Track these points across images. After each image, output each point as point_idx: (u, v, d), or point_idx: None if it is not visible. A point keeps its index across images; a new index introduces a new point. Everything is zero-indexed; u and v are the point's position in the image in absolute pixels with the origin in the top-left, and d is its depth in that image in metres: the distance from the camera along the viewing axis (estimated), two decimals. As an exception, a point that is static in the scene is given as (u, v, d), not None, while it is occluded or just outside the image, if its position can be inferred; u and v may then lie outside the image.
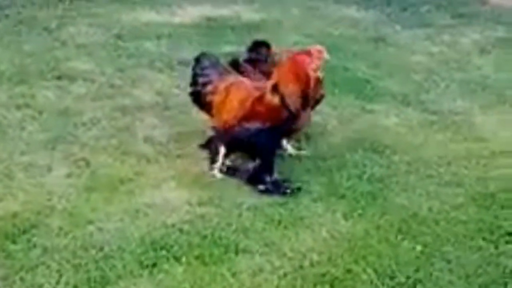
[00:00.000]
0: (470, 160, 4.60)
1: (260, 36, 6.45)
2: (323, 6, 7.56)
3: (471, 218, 4.00)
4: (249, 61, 4.67)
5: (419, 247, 3.72)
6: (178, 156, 4.50)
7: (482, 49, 6.52)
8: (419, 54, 6.42)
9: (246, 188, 4.20)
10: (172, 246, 3.62)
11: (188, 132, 4.79)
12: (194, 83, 4.35)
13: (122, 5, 7.20)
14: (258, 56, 4.65)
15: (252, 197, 4.11)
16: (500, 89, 5.60)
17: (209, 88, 4.28)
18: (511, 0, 7.90)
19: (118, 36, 6.37)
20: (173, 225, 3.81)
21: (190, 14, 7.10)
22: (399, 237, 3.81)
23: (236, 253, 3.62)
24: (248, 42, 6.26)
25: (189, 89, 4.39)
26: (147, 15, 6.96)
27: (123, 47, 6.14)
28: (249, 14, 7.13)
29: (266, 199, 4.10)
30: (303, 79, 4.05)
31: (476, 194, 4.21)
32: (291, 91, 4.05)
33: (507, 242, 3.81)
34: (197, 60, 4.38)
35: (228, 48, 6.20)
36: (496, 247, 3.76)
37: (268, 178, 4.21)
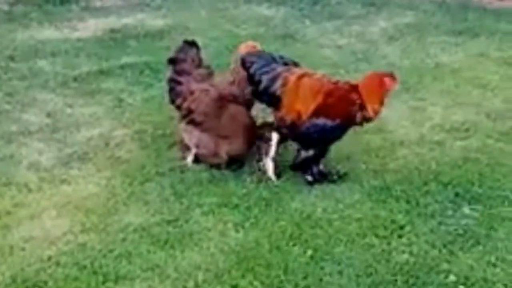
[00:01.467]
0: (370, 154, 4.51)
1: (164, 43, 6.38)
2: (232, 7, 7.43)
3: (365, 215, 3.91)
4: (174, 61, 4.55)
5: (310, 252, 3.61)
6: (63, 182, 4.32)
7: (390, 37, 6.46)
8: (326, 47, 6.33)
9: (134, 206, 4.02)
10: (46, 282, 3.45)
11: (77, 153, 4.62)
12: (257, 82, 4.16)
13: (16, 23, 6.96)
14: (186, 57, 4.51)
15: (139, 217, 3.94)
16: (404, 76, 5.50)
17: (279, 82, 4.11)
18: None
19: (11, 57, 6.15)
20: (49, 258, 3.64)
21: (92, 27, 6.91)
22: (291, 243, 3.70)
23: (116, 281, 3.47)
24: (151, 50, 6.24)
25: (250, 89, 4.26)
26: (45, 32, 6.76)
27: (14, 68, 5.93)
28: (154, 21, 6.98)
29: (154, 218, 3.93)
30: (381, 101, 4.05)
31: (372, 189, 4.12)
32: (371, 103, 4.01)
33: (399, 236, 3.73)
34: (244, 60, 4.22)
35: (129, 59, 6.05)
36: (389, 243, 3.68)
37: (314, 169, 4.18)
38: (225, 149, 4.33)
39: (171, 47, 6.15)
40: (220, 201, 4.06)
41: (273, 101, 4.17)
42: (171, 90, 4.48)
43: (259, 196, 4.09)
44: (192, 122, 4.37)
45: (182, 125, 4.44)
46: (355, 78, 5.40)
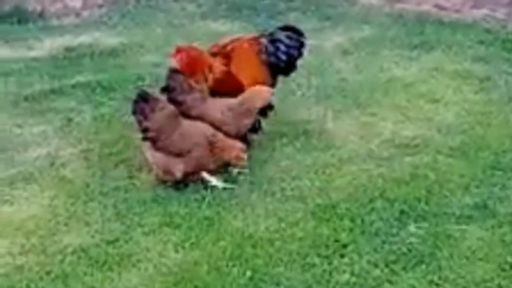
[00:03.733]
0: (317, 171, 4.46)
1: (118, 61, 6.33)
2: (188, 23, 7.38)
3: (308, 233, 3.86)
4: (167, 89, 4.51)
5: (249, 272, 3.56)
6: (5, 202, 4.26)
7: (344, 51, 6.41)
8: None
9: (75, 226, 3.95)
10: (-23, 306, 3.35)
11: (23, 173, 4.54)
12: None
13: (-28, 43, 6.88)
14: (175, 84, 4.47)
15: (79, 238, 3.87)
16: (356, 92, 5.49)
17: None
18: (381, -2, 7.86)
19: (-37, 77, 6.05)
20: (-15, 281, 3.54)
21: (47, 46, 6.83)
22: (230, 263, 3.65)
23: (50, 304, 3.37)
24: (105, 69, 6.17)
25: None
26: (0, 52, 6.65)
27: (-35, 88, 5.83)
28: (109, 40, 6.90)
29: (94, 239, 3.87)
30: None
31: (316, 207, 4.08)
32: None
33: (342, 256, 3.68)
34: None
35: (81, 78, 5.97)
36: (330, 263, 3.63)
37: None
38: (178, 167, 4.24)
39: (125, 66, 6.25)
40: (162, 221, 4.00)
41: None
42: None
43: (202, 215, 4.04)
44: (148, 140, 4.32)
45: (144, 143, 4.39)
46: (307, 93, 5.48)
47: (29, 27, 7.33)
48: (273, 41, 4.76)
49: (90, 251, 3.78)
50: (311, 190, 4.26)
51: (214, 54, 4.71)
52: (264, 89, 4.54)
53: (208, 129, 4.34)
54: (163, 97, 4.49)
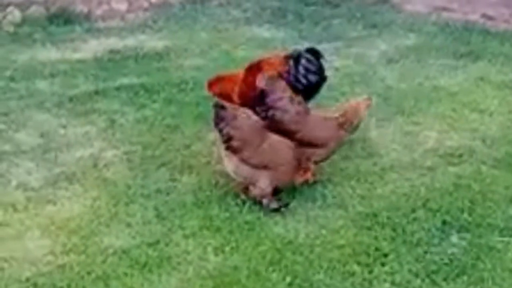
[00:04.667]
0: (359, 179, 4.45)
1: (161, 64, 6.39)
2: (233, 28, 7.41)
3: (348, 241, 3.85)
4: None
5: (288, 278, 3.56)
6: (49, 202, 4.33)
7: (389, 59, 6.37)
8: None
9: (116, 227, 3.99)
10: (20, 303, 3.41)
11: (66, 174, 4.61)
12: None
13: (20, 44, 7.00)
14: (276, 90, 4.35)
15: (120, 239, 3.92)
16: (400, 100, 5.46)
17: None
18: (426, 6, 7.78)
19: (11, 78, 6.17)
20: (27, 280, 3.65)
21: (93, 48, 6.92)
22: (270, 269, 3.65)
23: (90, 303, 3.42)
24: (148, 72, 6.24)
25: None
26: (46, 53, 6.77)
27: (14, 88, 5.95)
28: (154, 43, 6.97)
29: (135, 240, 3.91)
30: None
31: (357, 215, 4.07)
32: None
33: (382, 265, 3.66)
34: None
35: (125, 80, 6.04)
36: (370, 271, 3.62)
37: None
38: (264, 181, 4.14)
39: (168, 69, 6.31)
40: (202, 224, 4.03)
41: None
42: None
43: (242, 220, 4.05)
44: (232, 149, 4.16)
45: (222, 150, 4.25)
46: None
47: (75, 29, 7.43)
48: (296, 63, 4.66)
49: (131, 252, 3.82)
50: (353, 197, 4.25)
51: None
52: (362, 107, 4.42)
53: (292, 145, 4.20)
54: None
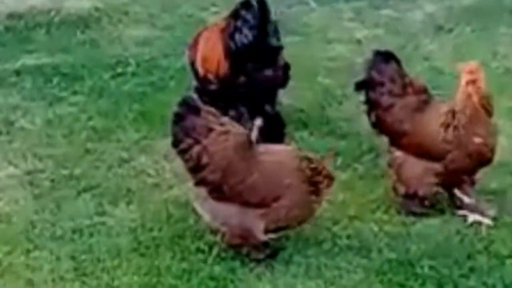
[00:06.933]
0: (389, 207, 4.55)
1: (88, 36, 6.43)
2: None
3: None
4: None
5: None
6: None
7: (438, 27, 6.51)
8: (338, 43, 6.37)
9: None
10: None
11: None
12: None
13: None
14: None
15: None
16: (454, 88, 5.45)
17: None
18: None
19: None
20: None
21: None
22: None
23: None
24: (68, 47, 6.28)
25: None
26: None
27: None
28: (75, 3, 7.03)
29: None
30: None
31: (385, 264, 4.11)
32: None
33: None
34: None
35: (31, 61, 6.13)
36: None
37: None
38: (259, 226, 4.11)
39: (98, 42, 6.33)
40: (146, 282, 4.04)
41: None
42: None
43: (207, 274, 4.09)
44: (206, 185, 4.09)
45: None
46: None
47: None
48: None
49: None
50: (378, 237, 4.32)
51: None
52: None
53: (297, 154, 4.17)
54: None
